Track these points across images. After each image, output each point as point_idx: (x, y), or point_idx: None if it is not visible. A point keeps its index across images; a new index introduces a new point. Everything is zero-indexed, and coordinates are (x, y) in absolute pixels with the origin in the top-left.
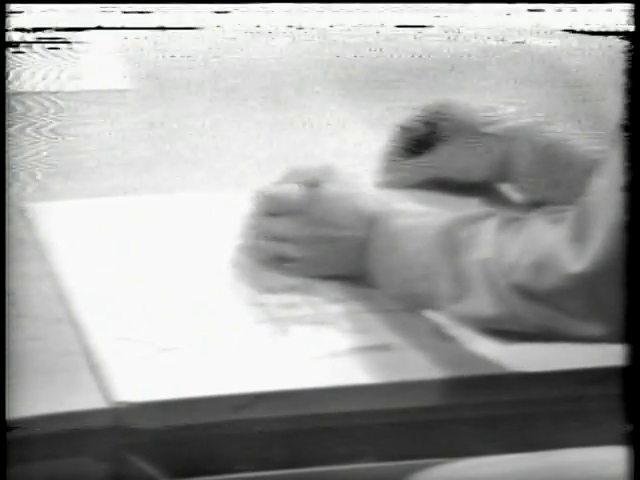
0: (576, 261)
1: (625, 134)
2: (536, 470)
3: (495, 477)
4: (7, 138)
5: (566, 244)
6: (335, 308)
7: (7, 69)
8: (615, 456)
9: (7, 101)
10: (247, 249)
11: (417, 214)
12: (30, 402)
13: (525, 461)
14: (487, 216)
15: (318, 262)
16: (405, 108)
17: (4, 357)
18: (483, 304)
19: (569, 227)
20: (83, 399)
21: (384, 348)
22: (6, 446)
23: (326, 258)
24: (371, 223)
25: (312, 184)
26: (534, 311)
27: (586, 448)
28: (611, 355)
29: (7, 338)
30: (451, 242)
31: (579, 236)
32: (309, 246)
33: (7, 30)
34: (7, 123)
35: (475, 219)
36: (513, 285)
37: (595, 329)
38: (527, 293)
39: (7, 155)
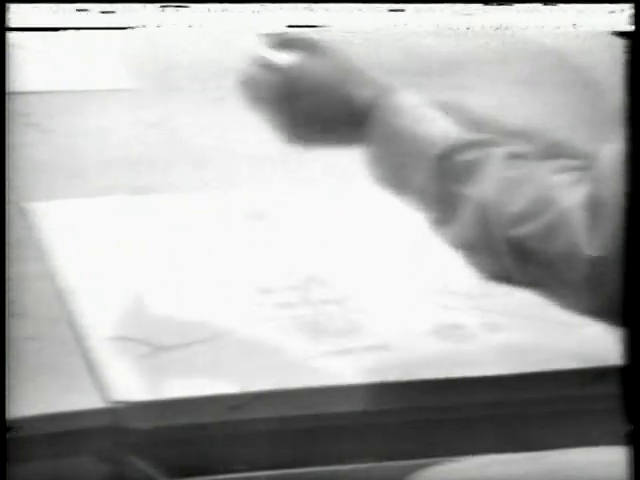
0: (591, 244)
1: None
2: (536, 470)
3: (495, 477)
4: (7, 138)
5: (582, 216)
6: (332, 308)
7: (7, 69)
8: (615, 456)
9: (7, 101)
10: (246, 81)
11: (417, 118)
12: (29, 402)
13: (525, 461)
14: (492, 144)
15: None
16: None
17: (4, 357)
18: (469, 235)
19: (586, 203)
20: (81, 399)
21: (382, 348)
22: (6, 446)
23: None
24: (362, 123)
25: (287, 72)
26: (529, 272)
27: (586, 448)
28: (611, 355)
29: (7, 338)
30: (449, 166)
31: (596, 215)
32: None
33: (7, 30)
34: (7, 123)
35: (479, 144)
36: (513, 241)
37: (591, 304)
38: (527, 253)
39: (7, 155)
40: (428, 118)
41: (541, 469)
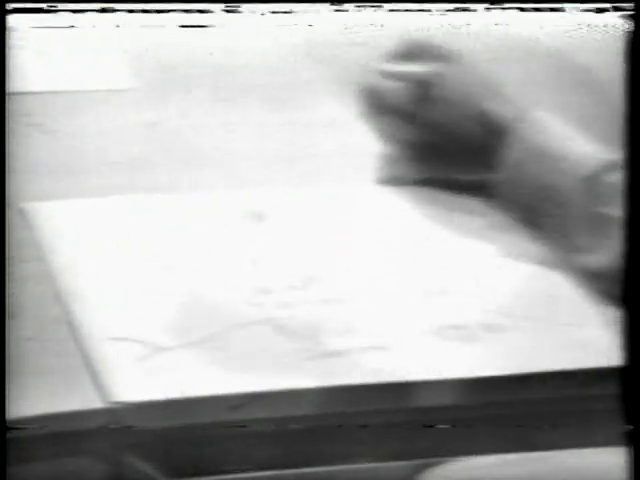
0: None
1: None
2: (536, 471)
3: (495, 477)
4: (7, 138)
5: None
6: (332, 307)
7: (7, 69)
8: (615, 457)
9: (7, 101)
10: (369, 89)
11: (564, 137)
12: (29, 402)
13: (525, 461)
14: None
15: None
16: None
17: (4, 357)
18: (618, 263)
19: None
20: (81, 399)
21: (382, 348)
22: (6, 446)
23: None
24: (500, 134)
25: (423, 80)
26: None
27: (586, 449)
28: (611, 355)
29: (7, 338)
30: (598, 187)
31: None
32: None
33: (7, 30)
34: (7, 123)
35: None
36: None
37: None
38: None
39: (7, 155)
40: (569, 137)
41: (541, 470)
